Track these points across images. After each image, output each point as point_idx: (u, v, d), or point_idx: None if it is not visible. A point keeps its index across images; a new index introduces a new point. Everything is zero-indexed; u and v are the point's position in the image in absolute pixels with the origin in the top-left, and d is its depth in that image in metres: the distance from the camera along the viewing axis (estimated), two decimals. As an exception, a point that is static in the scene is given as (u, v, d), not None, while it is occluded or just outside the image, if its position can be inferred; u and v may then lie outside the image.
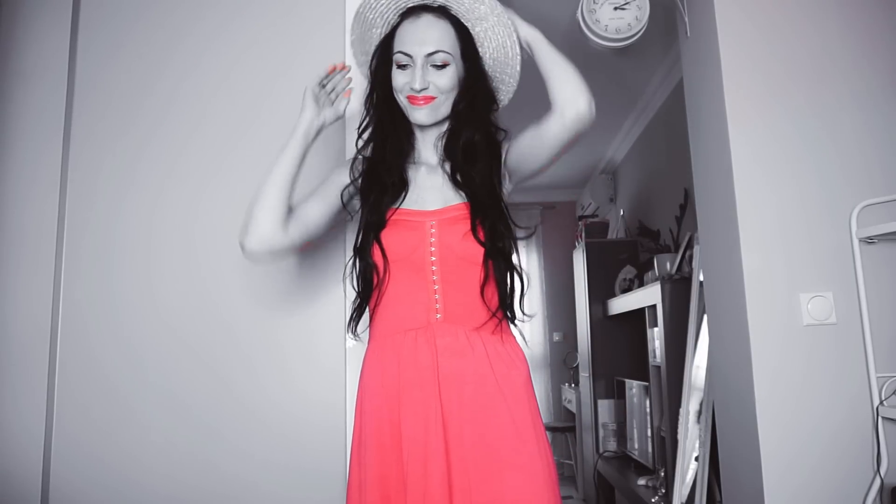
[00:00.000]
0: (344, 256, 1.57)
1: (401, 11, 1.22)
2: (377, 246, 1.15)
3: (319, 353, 1.55)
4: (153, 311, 1.56)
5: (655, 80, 3.45)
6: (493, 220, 1.16)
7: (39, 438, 1.48)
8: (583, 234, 4.15)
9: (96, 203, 1.59)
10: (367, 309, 1.21)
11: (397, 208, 1.18)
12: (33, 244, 1.55)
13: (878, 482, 1.53)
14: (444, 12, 1.19)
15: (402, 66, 1.17)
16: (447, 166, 1.22)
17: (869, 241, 1.62)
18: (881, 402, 1.56)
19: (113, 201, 1.60)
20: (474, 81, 1.20)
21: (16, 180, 1.57)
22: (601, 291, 3.83)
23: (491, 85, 1.25)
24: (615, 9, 1.86)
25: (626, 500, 3.08)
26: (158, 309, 1.56)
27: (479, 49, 1.23)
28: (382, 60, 1.21)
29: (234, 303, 1.57)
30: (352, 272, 1.20)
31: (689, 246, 2.69)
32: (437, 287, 1.15)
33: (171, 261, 1.58)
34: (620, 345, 3.73)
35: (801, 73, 1.70)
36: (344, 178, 1.24)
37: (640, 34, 1.86)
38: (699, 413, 2.37)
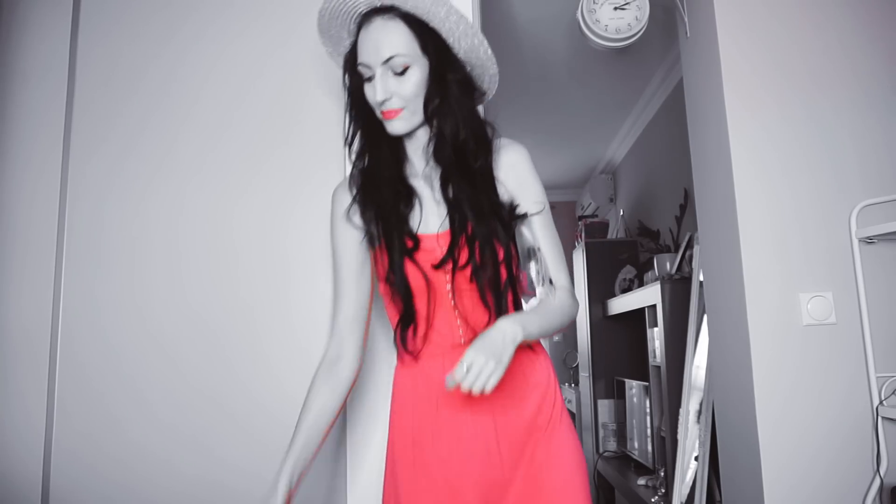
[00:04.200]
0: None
1: (356, 20, 1.14)
2: (415, 268, 1.09)
3: (315, 362, 1.54)
4: (155, 311, 1.56)
5: (655, 80, 3.45)
6: (488, 248, 1.08)
7: (40, 439, 1.48)
8: (583, 234, 4.15)
9: (97, 203, 1.59)
10: (411, 326, 1.14)
11: (415, 231, 1.12)
12: (33, 244, 1.55)
13: (877, 482, 1.53)
14: (397, 12, 1.09)
15: (367, 79, 1.10)
16: (437, 178, 1.14)
17: (868, 241, 1.62)
18: (881, 402, 1.56)
19: (114, 201, 1.60)
20: (444, 72, 1.10)
21: (16, 180, 1.57)
22: (601, 291, 3.83)
23: (468, 72, 1.15)
24: (615, 9, 1.86)
25: (626, 500, 3.08)
26: (160, 309, 1.56)
27: (448, 40, 1.11)
28: (353, 73, 1.14)
29: (236, 303, 1.57)
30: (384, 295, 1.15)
31: (689, 246, 2.69)
32: (456, 312, 1.12)
33: (173, 261, 1.58)
34: (620, 345, 3.73)
35: (801, 72, 1.71)
36: (342, 228, 1.18)
37: (640, 34, 1.86)
38: (699, 413, 2.37)
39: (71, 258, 1.56)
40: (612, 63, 3.19)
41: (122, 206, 1.59)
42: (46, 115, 1.59)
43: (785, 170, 1.67)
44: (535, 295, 1.15)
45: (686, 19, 1.94)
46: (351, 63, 1.13)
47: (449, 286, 1.10)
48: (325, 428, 1.18)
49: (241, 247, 1.58)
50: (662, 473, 2.68)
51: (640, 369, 3.34)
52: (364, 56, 1.08)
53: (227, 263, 1.57)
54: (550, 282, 1.14)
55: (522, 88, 3.45)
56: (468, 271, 1.08)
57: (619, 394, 3.61)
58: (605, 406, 3.72)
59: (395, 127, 1.10)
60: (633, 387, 3.24)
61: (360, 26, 1.11)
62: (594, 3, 1.87)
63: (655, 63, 3.27)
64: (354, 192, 1.17)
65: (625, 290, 3.58)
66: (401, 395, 1.17)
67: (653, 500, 2.66)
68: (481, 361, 0.92)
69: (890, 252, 1.63)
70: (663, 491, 2.64)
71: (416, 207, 1.14)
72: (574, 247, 4.32)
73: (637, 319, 3.34)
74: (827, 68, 1.71)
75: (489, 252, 1.08)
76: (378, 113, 1.11)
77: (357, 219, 1.16)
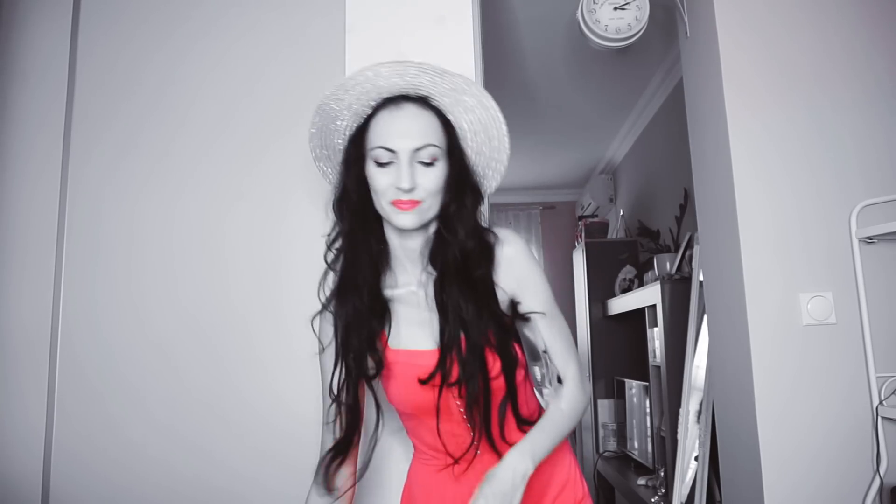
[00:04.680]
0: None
1: (375, 103, 1.05)
2: (371, 394, 1.05)
3: (311, 368, 1.53)
4: (151, 312, 1.56)
5: (655, 80, 3.45)
6: (478, 364, 1.02)
7: (40, 439, 1.48)
8: (583, 234, 4.15)
9: (97, 203, 1.59)
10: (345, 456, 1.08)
11: (394, 349, 1.05)
12: (33, 244, 1.55)
13: (877, 482, 1.53)
14: (426, 103, 1.04)
15: (382, 164, 1.01)
16: (430, 286, 1.06)
17: (868, 241, 1.62)
18: (881, 402, 1.56)
19: (114, 201, 1.60)
20: (463, 177, 1.06)
21: (16, 180, 1.57)
22: (601, 291, 3.83)
23: (477, 181, 1.10)
24: (615, 9, 1.86)
25: (626, 500, 3.08)
26: (157, 310, 1.56)
27: (462, 142, 1.08)
28: (355, 156, 1.05)
29: (230, 305, 1.57)
30: (328, 411, 1.08)
31: (689, 246, 2.69)
32: (469, 425, 1.05)
33: (169, 262, 1.58)
34: (620, 345, 3.73)
35: (801, 72, 1.70)
36: (326, 328, 1.10)
37: (640, 34, 1.86)
38: (699, 413, 2.37)
39: (70, 258, 1.56)
40: (612, 63, 3.19)
41: (120, 206, 1.59)
42: (46, 115, 1.59)
43: (785, 170, 1.67)
44: (541, 396, 1.10)
45: (686, 19, 1.94)
46: (357, 147, 1.05)
47: (436, 403, 1.03)
48: None
49: (235, 248, 1.58)
50: (662, 473, 2.68)
51: (640, 369, 3.34)
52: (390, 139, 1.00)
53: (221, 265, 1.57)
54: (559, 380, 1.09)
55: (522, 88, 3.44)
56: (459, 390, 1.02)
57: (618, 394, 3.61)
58: (605, 406, 3.72)
59: (407, 220, 1.01)
60: (633, 387, 3.24)
61: (375, 110, 1.04)
62: (594, 3, 1.87)
63: (655, 63, 3.27)
64: (326, 296, 1.09)
65: (625, 290, 3.58)
66: (413, 491, 1.16)
67: (653, 500, 2.66)
68: None
69: (890, 252, 1.63)
70: (663, 491, 2.64)
71: (399, 322, 1.07)
72: (574, 247, 4.32)
73: (637, 319, 3.34)
74: (827, 68, 1.71)
75: (481, 369, 1.01)
76: (385, 203, 1.01)
77: (323, 335, 1.10)
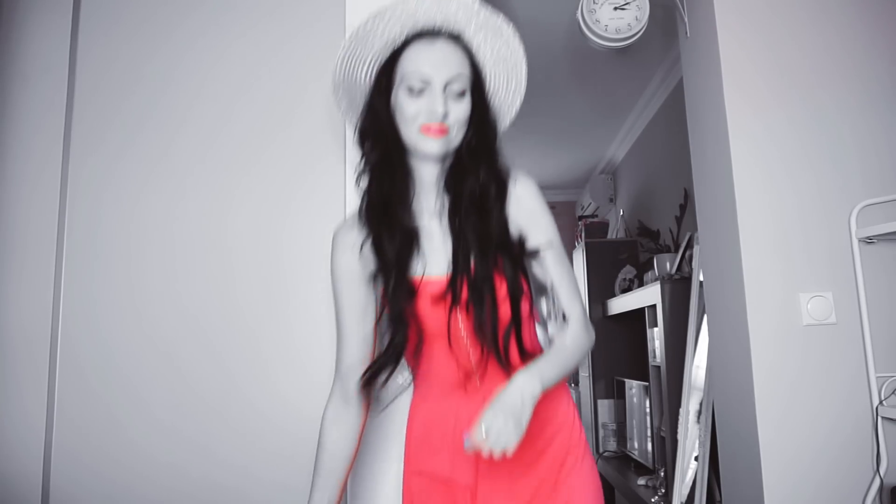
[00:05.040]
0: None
1: (408, 35, 1.10)
2: (412, 320, 1.08)
3: (314, 368, 1.53)
4: (152, 312, 1.55)
5: (655, 80, 3.45)
6: (488, 285, 1.06)
7: (40, 439, 1.48)
8: (582, 234, 4.15)
9: (97, 203, 1.59)
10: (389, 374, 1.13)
11: (420, 276, 1.09)
12: (33, 244, 1.55)
13: (877, 482, 1.53)
14: (456, 40, 1.11)
15: (413, 93, 1.06)
16: (446, 213, 1.12)
17: (868, 241, 1.62)
18: (881, 402, 1.56)
19: (114, 201, 1.60)
20: (484, 114, 1.12)
21: (16, 180, 1.57)
22: (601, 291, 3.83)
23: (494, 120, 1.17)
24: (615, 9, 1.86)
25: (626, 500, 3.08)
26: (158, 309, 1.56)
27: (484, 81, 1.15)
28: (385, 86, 1.10)
29: (232, 303, 1.57)
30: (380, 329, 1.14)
31: (689, 246, 2.69)
32: (472, 357, 1.10)
33: (170, 261, 1.58)
34: (620, 345, 3.73)
35: (801, 72, 1.70)
36: (344, 270, 1.15)
37: (640, 34, 1.86)
38: (699, 413, 2.37)
39: (70, 258, 1.56)
40: (612, 63, 3.19)
41: (120, 206, 1.59)
42: (46, 115, 1.59)
43: (785, 170, 1.67)
44: (546, 331, 1.13)
45: (686, 19, 1.94)
46: (387, 76, 1.10)
47: (447, 324, 1.07)
48: (344, 469, 1.16)
49: (236, 247, 1.58)
50: (662, 473, 2.68)
51: (640, 369, 3.34)
52: (425, 68, 1.05)
53: (222, 264, 1.57)
54: (564, 317, 1.12)
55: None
56: (468, 308, 1.06)
57: (618, 394, 3.61)
58: (604, 406, 3.72)
59: (434, 147, 1.07)
60: (633, 387, 3.24)
61: (406, 43, 1.09)
62: (594, 3, 1.87)
63: (655, 63, 3.27)
64: (361, 230, 1.13)
65: (625, 290, 3.58)
66: (416, 431, 1.17)
67: (653, 500, 2.66)
68: (500, 423, 0.91)
69: (890, 252, 1.63)
70: (663, 491, 2.64)
71: (421, 249, 1.11)
72: (574, 247, 4.32)
73: (637, 319, 3.34)
74: (827, 68, 1.70)
75: (489, 289, 1.05)
76: (413, 129, 1.07)
77: (361, 260, 1.13)
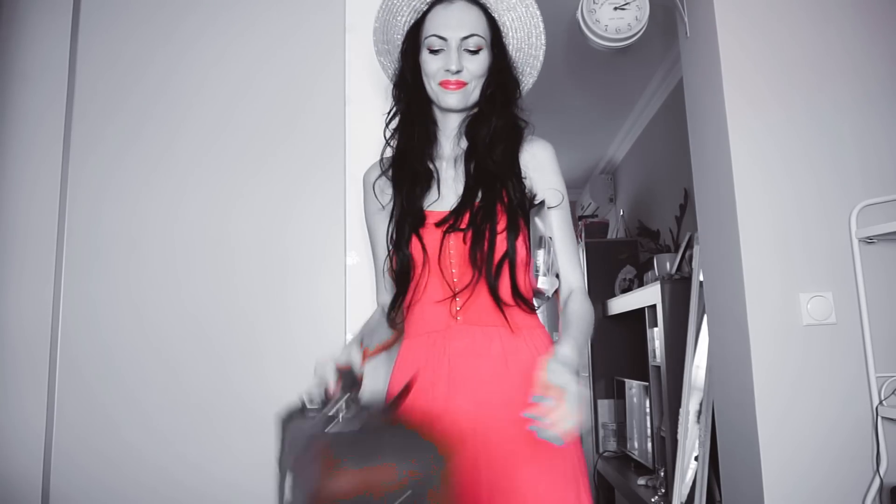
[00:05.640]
0: (344, 258, 1.57)
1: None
2: (417, 241, 1.15)
3: (311, 365, 1.53)
4: (152, 313, 1.55)
5: (655, 80, 3.45)
6: (489, 218, 1.14)
7: (39, 441, 1.48)
8: (583, 234, 4.15)
9: (97, 203, 1.59)
10: (403, 305, 1.21)
11: (429, 208, 1.19)
12: (33, 244, 1.55)
13: (877, 482, 1.53)
14: (475, 1, 1.21)
15: (434, 51, 1.19)
16: (462, 159, 1.22)
17: (868, 241, 1.62)
18: (881, 402, 1.56)
19: (114, 201, 1.60)
20: (503, 69, 1.23)
21: (16, 180, 1.57)
22: (601, 291, 3.83)
23: (515, 74, 1.27)
24: (615, 9, 1.86)
25: (626, 500, 3.08)
26: (158, 310, 1.56)
27: (504, 39, 1.25)
28: (411, 46, 1.23)
29: (233, 305, 1.57)
30: (389, 266, 1.21)
31: (689, 246, 2.69)
32: (456, 290, 1.14)
33: (170, 262, 1.58)
34: (620, 345, 3.72)
35: (801, 72, 1.70)
36: (370, 202, 1.29)
37: (640, 34, 1.86)
38: (699, 413, 2.37)
39: (70, 258, 1.56)
40: (612, 63, 3.19)
41: (120, 206, 1.59)
42: (46, 115, 1.59)
43: (785, 169, 1.67)
44: (537, 285, 1.20)
45: (686, 19, 1.94)
46: (413, 35, 1.23)
47: (452, 261, 1.14)
48: (379, 336, 1.23)
49: (237, 248, 1.58)
50: (662, 473, 2.68)
51: (640, 369, 3.34)
52: (442, 29, 1.17)
53: (223, 265, 1.57)
54: (557, 276, 1.19)
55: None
56: (467, 239, 1.13)
57: (618, 394, 3.61)
58: (604, 406, 3.71)
59: (452, 99, 1.19)
60: (633, 387, 3.23)
61: (430, 6, 1.21)
62: (594, 3, 1.86)
63: (655, 63, 3.27)
64: (384, 169, 1.26)
65: (625, 290, 3.57)
66: (399, 374, 1.19)
67: (653, 500, 2.66)
68: (562, 411, 0.91)
69: (890, 252, 1.63)
70: (663, 491, 2.64)
71: (434, 188, 1.21)
72: (574, 247, 4.31)
73: (637, 319, 3.34)
74: (827, 68, 1.70)
75: (489, 219, 1.13)
76: (434, 84, 1.19)
77: (382, 195, 1.26)
